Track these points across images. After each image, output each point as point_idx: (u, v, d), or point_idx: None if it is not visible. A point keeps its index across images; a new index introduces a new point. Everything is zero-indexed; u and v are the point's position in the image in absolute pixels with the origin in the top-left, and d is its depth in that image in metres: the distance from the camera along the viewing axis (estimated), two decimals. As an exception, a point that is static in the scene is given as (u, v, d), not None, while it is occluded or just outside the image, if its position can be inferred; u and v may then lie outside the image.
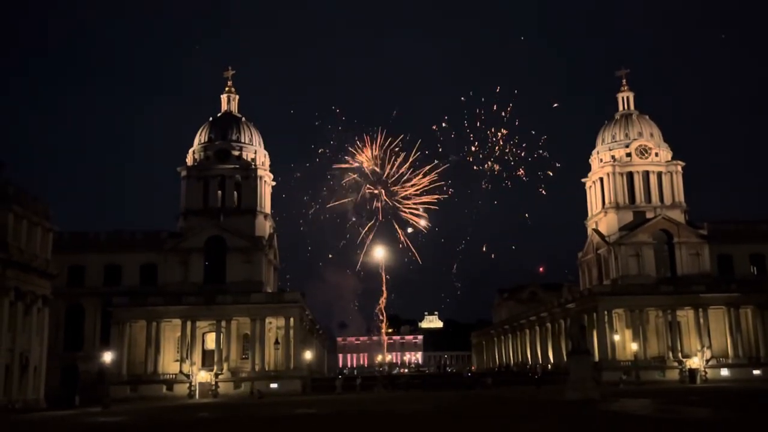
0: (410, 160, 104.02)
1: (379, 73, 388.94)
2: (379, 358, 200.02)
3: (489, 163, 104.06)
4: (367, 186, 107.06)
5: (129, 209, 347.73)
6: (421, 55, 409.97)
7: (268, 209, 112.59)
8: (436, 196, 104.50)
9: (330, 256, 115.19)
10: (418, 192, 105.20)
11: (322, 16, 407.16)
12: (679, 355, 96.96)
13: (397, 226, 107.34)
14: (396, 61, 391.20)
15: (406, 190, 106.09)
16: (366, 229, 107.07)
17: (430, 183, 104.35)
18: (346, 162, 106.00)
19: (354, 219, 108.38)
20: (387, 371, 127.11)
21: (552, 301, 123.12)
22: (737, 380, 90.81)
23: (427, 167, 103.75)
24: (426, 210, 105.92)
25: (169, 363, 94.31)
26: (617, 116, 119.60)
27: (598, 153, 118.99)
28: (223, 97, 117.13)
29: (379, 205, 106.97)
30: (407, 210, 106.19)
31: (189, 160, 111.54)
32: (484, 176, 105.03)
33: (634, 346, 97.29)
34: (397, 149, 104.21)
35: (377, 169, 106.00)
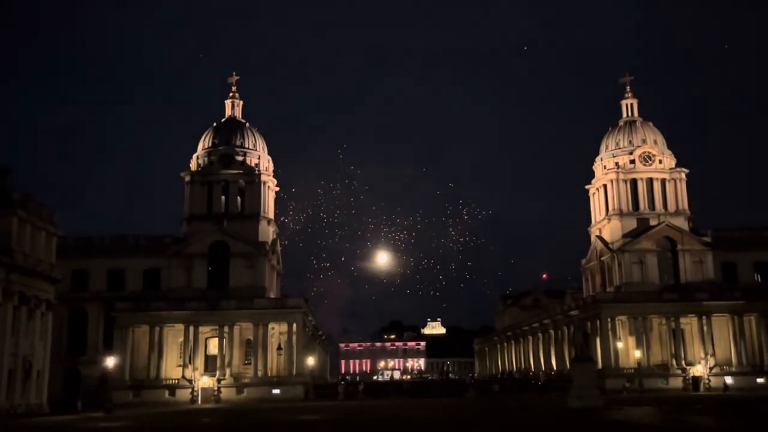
0: None
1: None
2: (382, 364, 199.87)
3: None
4: None
5: (133, 214, 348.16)
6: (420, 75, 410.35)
7: (271, 214, 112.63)
8: None
9: (332, 261, 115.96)
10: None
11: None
12: (683, 362, 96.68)
13: None
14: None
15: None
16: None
17: None
18: None
19: None
20: (390, 377, 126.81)
21: (555, 308, 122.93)
22: (741, 388, 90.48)
23: None
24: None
25: (171, 368, 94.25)
26: (621, 123, 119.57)
27: (601, 160, 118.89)
28: (227, 103, 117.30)
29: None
30: None
31: (193, 166, 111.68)
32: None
33: (637, 354, 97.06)
34: None
35: None
